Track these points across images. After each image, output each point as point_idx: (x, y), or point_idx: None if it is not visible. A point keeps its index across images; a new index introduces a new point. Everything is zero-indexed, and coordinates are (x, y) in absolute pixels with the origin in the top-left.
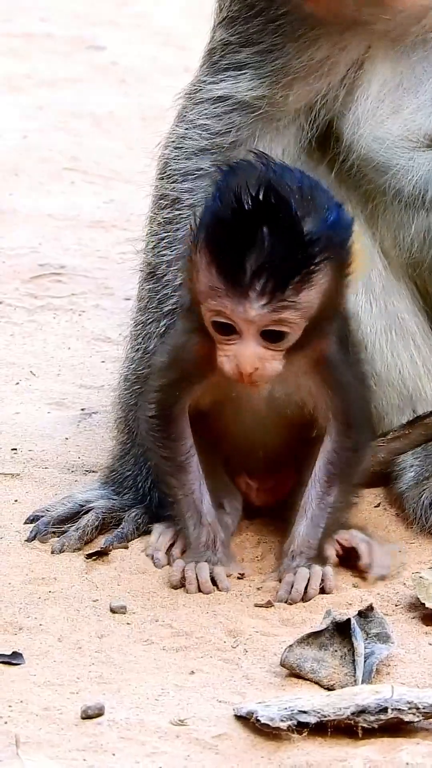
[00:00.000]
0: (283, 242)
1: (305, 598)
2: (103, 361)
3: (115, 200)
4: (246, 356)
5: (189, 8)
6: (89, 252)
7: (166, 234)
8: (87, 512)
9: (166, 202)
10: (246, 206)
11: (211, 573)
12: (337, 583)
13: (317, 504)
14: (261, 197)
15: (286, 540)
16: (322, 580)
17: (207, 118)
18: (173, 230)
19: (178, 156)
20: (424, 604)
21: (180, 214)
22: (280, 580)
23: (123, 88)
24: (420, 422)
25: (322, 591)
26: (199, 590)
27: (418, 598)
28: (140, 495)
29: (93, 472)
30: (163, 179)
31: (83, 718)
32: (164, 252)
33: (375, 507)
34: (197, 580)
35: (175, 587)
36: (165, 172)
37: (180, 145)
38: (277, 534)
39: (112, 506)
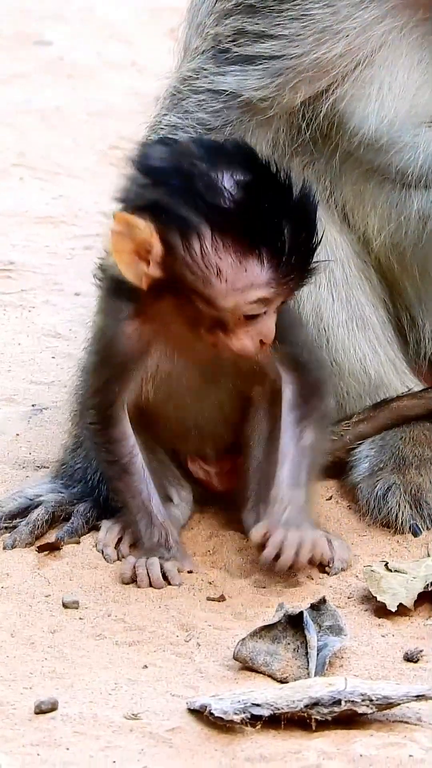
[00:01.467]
0: (304, 213)
1: (293, 566)
2: (53, 357)
3: (63, 196)
4: (271, 330)
5: (135, 2)
6: (38, 248)
7: None
8: (37, 506)
9: None
10: (263, 188)
11: (162, 569)
12: (294, 578)
13: (294, 446)
14: (270, 177)
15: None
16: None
17: (205, 111)
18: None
19: None
20: (375, 597)
21: None
22: (264, 536)
23: (70, 83)
24: (385, 405)
25: (321, 566)
26: (151, 586)
27: (370, 591)
28: (89, 488)
29: (44, 467)
30: None
31: (36, 713)
32: None
33: (327, 500)
34: (148, 576)
35: (126, 583)
36: None
37: (172, 135)
38: (230, 527)
39: (62, 500)
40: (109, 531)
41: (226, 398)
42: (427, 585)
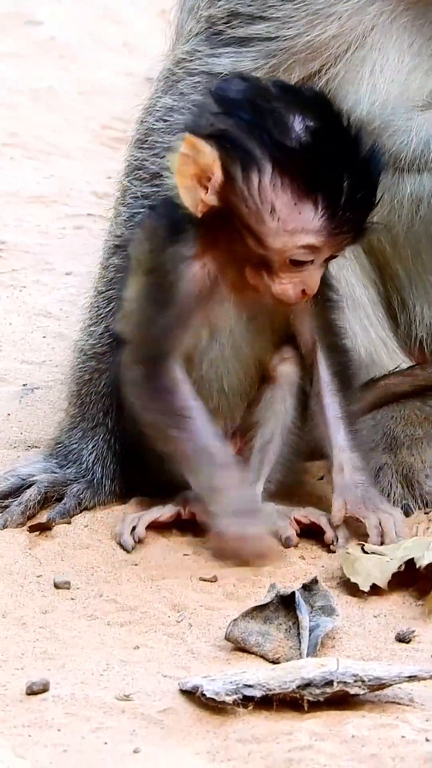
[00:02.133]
0: (368, 172)
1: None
2: (44, 337)
3: (54, 175)
4: (315, 282)
5: None
6: (29, 227)
7: (141, 209)
8: (29, 486)
9: (144, 175)
10: (332, 137)
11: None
12: (285, 557)
13: (343, 411)
14: (341, 129)
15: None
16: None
17: (200, 94)
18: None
19: (164, 129)
20: (349, 579)
21: (158, 191)
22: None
23: (61, 63)
24: (373, 384)
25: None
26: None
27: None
28: (83, 469)
29: (35, 447)
30: (143, 149)
31: (28, 694)
32: (138, 229)
33: (319, 479)
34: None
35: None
36: (146, 142)
37: (167, 117)
38: None
39: (55, 480)
40: (123, 521)
41: (256, 360)
42: (401, 565)
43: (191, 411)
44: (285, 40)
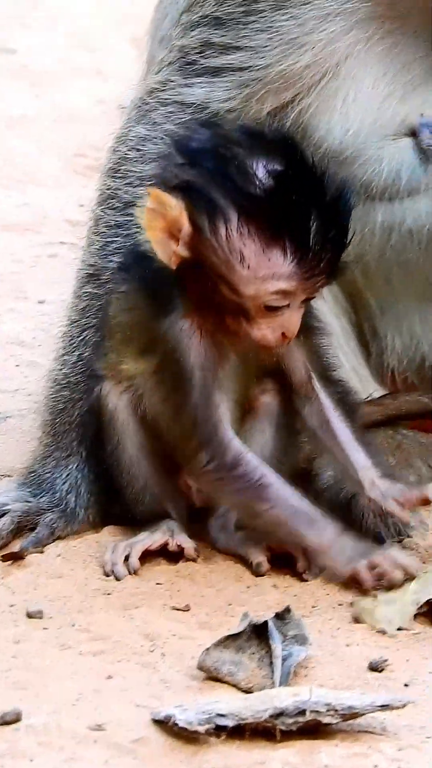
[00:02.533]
0: (337, 211)
1: None
2: (17, 365)
3: (28, 203)
4: (295, 324)
5: (99, 10)
6: (2, 255)
7: (114, 238)
8: (2, 515)
9: (117, 204)
10: (297, 180)
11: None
12: (256, 586)
13: (354, 435)
14: (306, 170)
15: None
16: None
17: (173, 123)
18: (123, 235)
19: (137, 158)
20: (375, 628)
21: (131, 220)
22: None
23: (35, 91)
24: None
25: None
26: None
27: (335, 600)
28: (57, 498)
29: (9, 476)
30: (116, 179)
31: (0, 724)
32: (111, 257)
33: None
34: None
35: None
36: (119, 172)
37: (140, 147)
38: (195, 537)
39: (28, 509)
40: (114, 550)
41: (242, 394)
42: (420, 606)
43: (267, 478)
44: (258, 69)
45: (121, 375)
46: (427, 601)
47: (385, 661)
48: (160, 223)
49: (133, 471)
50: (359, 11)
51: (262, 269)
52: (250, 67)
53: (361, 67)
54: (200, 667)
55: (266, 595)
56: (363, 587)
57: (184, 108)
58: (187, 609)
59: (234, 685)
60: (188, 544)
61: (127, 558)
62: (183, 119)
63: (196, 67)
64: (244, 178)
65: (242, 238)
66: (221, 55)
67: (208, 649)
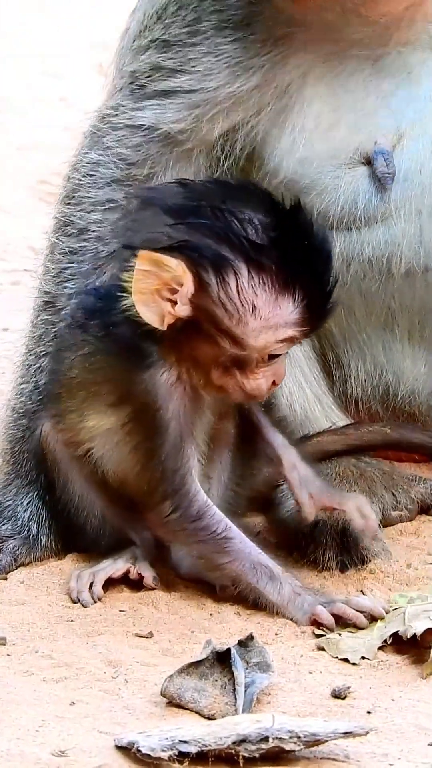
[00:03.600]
0: (326, 260)
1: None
2: None
3: None
4: (283, 371)
5: (65, 38)
6: None
7: (69, 265)
8: None
9: (72, 230)
10: (288, 226)
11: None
12: (219, 613)
13: (276, 428)
14: (289, 215)
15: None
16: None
17: (125, 147)
18: (77, 261)
19: (90, 184)
20: (338, 657)
21: (86, 246)
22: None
23: None
24: (307, 441)
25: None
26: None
27: (298, 628)
28: (19, 526)
29: None
30: (70, 205)
31: None
32: (66, 284)
33: (255, 536)
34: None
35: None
36: (73, 198)
37: (93, 172)
38: (157, 564)
39: None
40: (79, 578)
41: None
42: (386, 640)
43: (230, 532)
44: (207, 91)
45: (81, 434)
46: (393, 633)
47: (348, 688)
48: (152, 285)
49: (88, 507)
50: (300, 34)
51: (274, 318)
52: (200, 89)
53: (308, 93)
54: (163, 694)
55: (229, 623)
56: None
57: (136, 131)
58: (149, 636)
59: (197, 712)
60: (148, 573)
61: (91, 585)
62: (135, 142)
63: (146, 90)
64: (247, 228)
65: (254, 289)
66: (170, 78)
67: (171, 676)
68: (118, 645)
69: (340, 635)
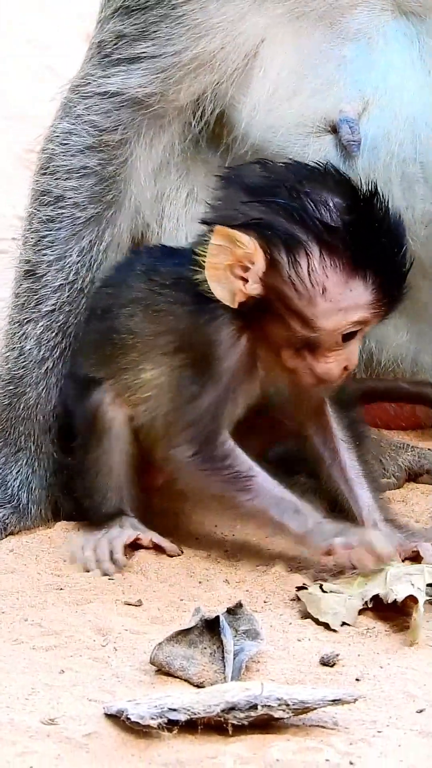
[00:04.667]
0: (400, 244)
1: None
2: None
3: None
4: (356, 356)
5: (52, 8)
6: None
7: (47, 232)
8: None
9: (49, 199)
10: (363, 209)
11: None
12: (208, 581)
13: (362, 470)
14: (368, 201)
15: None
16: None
17: (95, 114)
18: (55, 229)
19: (64, 152)
20: (319, 620)
21: (63, 213)
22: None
23: None
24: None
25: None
26: None
27: (286, 596)
28: (9, 495)
29: None
30: (46, 175)
31: None
32: (45, 251)
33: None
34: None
35: None
36: (48, 168)
37: (66, 141)
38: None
39: None
40: (97, 547)
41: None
42: (366, 602)
43: (255, 470)
44: (171, 56)
45: (137, 392)
46: (374, 596)
47: (337, 655)
48: (225, 261)
49: (113, 479)
50: None
51: (345, 300)
52: (163, 54)
53: (271, 54)
54: (152, 662)
55: (218, 591)
56: (337, 564)
57: (104, 98)
58: (139, 604)
59: (186, 680)
60: (166, 544)
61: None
62: (105, 109)
63: (113, 58)
64: (321, 210)
65: (325, 271)
66: (134, 44)
67: (160, 644)
68: (107, 613)
69: (322, 589)
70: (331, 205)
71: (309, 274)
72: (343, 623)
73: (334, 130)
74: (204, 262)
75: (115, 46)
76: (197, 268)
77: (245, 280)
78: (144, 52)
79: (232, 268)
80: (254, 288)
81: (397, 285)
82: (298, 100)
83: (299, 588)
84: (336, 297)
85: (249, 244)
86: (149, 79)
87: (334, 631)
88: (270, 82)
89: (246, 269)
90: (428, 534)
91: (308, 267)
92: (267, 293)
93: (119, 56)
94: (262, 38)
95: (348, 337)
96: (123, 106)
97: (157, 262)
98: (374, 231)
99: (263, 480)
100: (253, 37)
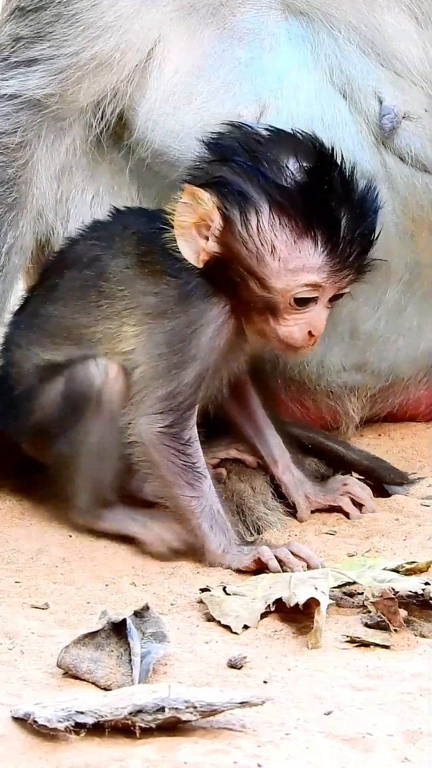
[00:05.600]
0: (365, 208)
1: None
2: None
3: None
4: (321, 322)
5: None
6: None
7: None
8: None
9: None
10: (326, 175)
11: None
12: (115, 584)
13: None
14: (334, 167)
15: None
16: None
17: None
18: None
19: None
20: (221, 622)
21: None
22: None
23: None
24: None
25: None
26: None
27: (193, 598)
28: None
29: None
30: None
31: None
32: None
33: None
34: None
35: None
36: None
37: None
38: (54, 532)
39: None
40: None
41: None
42: (269, 605)
43: (205, 471)
44: (68, 56)
45: (121, 343)
46: (277, 599)
47: (244, 658)
48: (190, 219)
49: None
50: None
51: (293, 261)
52: (59, 55)
53: (173, 54)
54: (59, 665)
55: (125, 593)
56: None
57: (2, 100)
58: (45, 607)
59: (93, 683)
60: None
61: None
62: (3, 111)
63: (10, 61)
64: (275, 171)
65: (273, 230)
66: (31, 46)
67: (67, 646)
68: (13, 616)
69: (225, 592)
70: (289, 166)
71: (258, 233)
72: (245, 626)
73: None
74: (173, 220)
75: (12, 49)
76: (168, 227)
77: (207, 239)
78: (41, 54)
79: (197, 226)
80: (213, 246)
81: (353, 252)
82: (196, 103)
83: (203, 590)
84: (284, 257)
85: (208, 202)
86: (47, 80)
87: (228, 629)
88: (166, 83)
89: (208, 227)
90: (348, 488)
91: (258, 225)
92: (225, 252)
93: (17, 59)
94: (157, 37)
95: (303, 301)
96: (22, 108)
97: (150, 222)
98: (329, 194)
99: (209, 486)
100: (149, 36)
